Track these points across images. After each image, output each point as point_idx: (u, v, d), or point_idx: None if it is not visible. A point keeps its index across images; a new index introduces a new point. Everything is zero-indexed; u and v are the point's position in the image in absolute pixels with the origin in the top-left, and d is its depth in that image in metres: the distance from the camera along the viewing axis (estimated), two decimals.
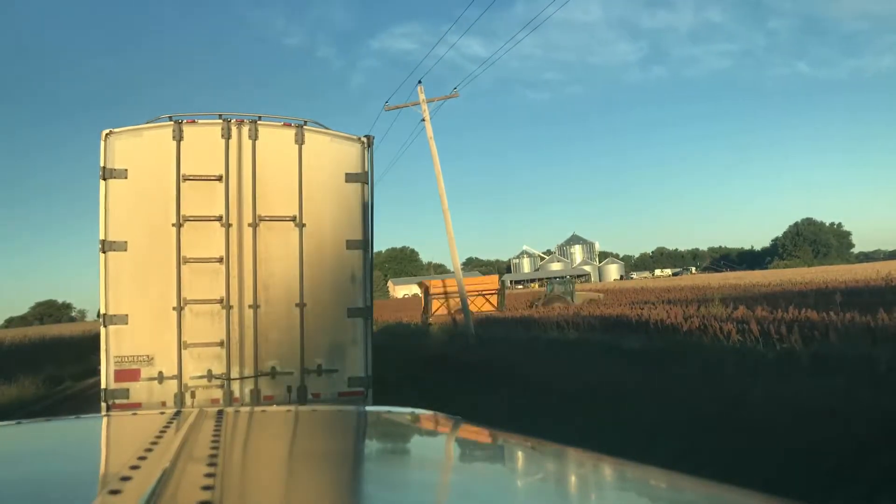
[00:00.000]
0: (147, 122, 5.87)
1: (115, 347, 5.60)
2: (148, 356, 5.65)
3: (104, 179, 5.63)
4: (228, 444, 1.45)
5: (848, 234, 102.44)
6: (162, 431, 1.51)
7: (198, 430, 1.56)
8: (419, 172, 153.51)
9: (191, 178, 5.78)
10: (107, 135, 5.66)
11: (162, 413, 1.89)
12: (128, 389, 5.61)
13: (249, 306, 5.82)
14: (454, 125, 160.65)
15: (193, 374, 5.73)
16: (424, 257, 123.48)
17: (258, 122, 5.99)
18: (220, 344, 5.76)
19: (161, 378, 5.65)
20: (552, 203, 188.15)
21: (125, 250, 5.65)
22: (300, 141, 6.00)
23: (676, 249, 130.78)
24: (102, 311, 5.67)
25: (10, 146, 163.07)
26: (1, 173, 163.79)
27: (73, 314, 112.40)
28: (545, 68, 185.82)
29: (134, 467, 1.12)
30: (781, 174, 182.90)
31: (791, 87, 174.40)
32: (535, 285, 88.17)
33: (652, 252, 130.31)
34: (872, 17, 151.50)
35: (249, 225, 5.86)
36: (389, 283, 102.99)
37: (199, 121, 5.93)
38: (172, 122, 5.81)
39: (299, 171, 5.97)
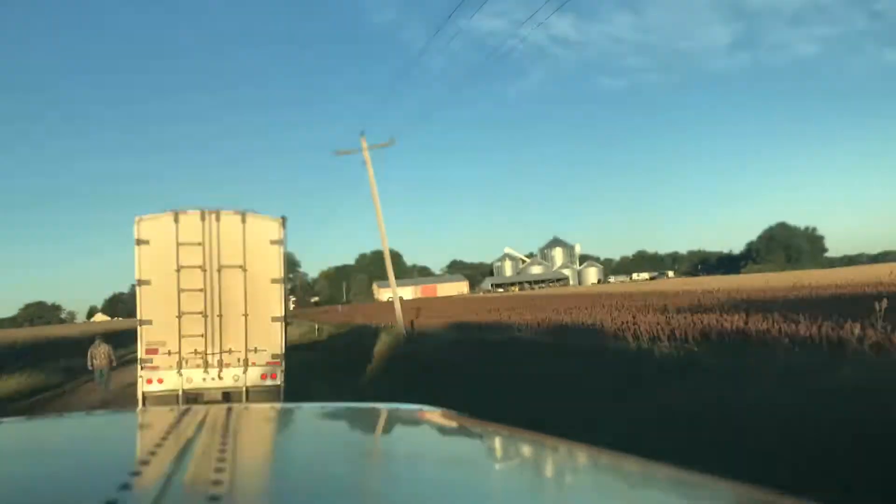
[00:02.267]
0: (160, 212, 10.05)
1: (146, 337, 9.84)
2: (163, 341, 9.84)
3: (137, 245, 9.72)
4: (237, 441, 1.46)
5: (821, 238, 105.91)
6: (172, 427, 1.54)
7: (207, 426, 1.59)
8: (395, 182, 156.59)
9: (184, 244, 9.90)
10: (139, 220, 9.83)
11: (171, 410, 1.97)
12: (151, 358, 9.83)
13: (217, 315, 10.03)
14: (440, 127, 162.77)
15: (187, 350, 9.90)
16: (408, 260, 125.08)
17: (220, 212, 10.12)
18: (202, 335, 9.96)
19: (170, 353, 9.83)
20: (535, 204, 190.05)
21: (150, 285, 9.80)
22: (243, 222, 10.19)
23: (656, 253, 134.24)
24: (139, 317, 9.90)
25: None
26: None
27: (63, 316, 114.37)
28: (528, 65, 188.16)
29: (144, 462, 1.15)
30: (762, 176, 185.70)
31: (791, 87, 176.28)
32: (516, 288, 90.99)
33: (633, 255, 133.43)
34: None
35: (217, 270, 9.99)
36: (374, 286, 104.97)
37: (189, 212, 10.01)
38: (173, 213, 9.95)
39: (243, 239, 10.11)
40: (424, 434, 1.91)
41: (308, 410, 2.19)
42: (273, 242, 10.15)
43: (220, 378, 9.90)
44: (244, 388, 9.97)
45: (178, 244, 9.77)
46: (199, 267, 9.85)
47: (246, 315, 9.97)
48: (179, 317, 9.74)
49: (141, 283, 9.76)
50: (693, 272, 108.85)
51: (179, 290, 9.75)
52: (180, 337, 9.76)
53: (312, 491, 1.12)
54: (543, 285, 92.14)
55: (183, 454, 1.23)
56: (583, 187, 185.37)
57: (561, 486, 1.31)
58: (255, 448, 1.58)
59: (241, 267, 9.97)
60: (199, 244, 9.85)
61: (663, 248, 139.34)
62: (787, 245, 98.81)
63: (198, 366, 9.84)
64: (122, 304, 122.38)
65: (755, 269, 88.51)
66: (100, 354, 15.54)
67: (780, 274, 59.56)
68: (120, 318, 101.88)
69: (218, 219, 10.04)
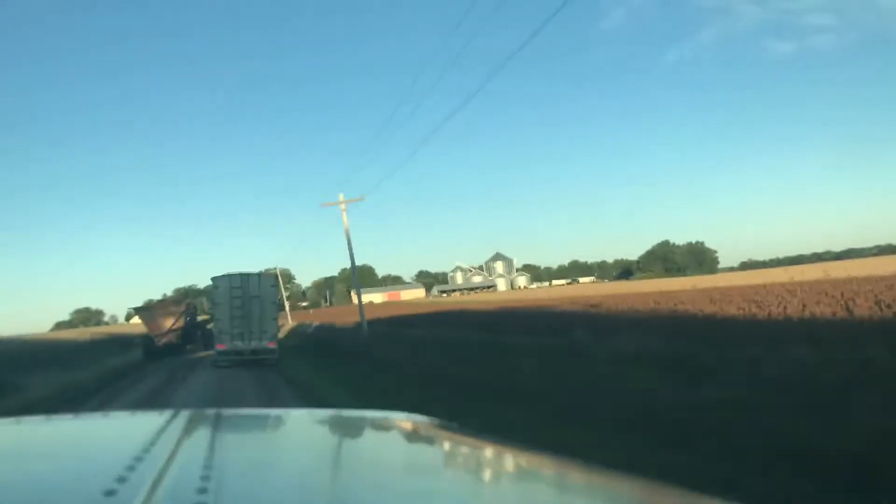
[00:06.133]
0: (223, 274, 23.27)
1: (216, 331, 22.93)
2: (227, 334, 22.34)
3: (214, 289, 23.60)
4: (224, 447, 1.48)
5: (709, 251, 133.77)
6: (158, 432, 1.53)
7: (194, 431, 1.59)
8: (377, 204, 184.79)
9: (234, 287, 22.69)
10: (215, 278, 23.67)
11: (160, 414, 1.91)
12: (222, 344, 22.32)
13: (248, 321, 22.70)
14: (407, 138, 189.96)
15: (234, 338, 22.31)
16: (381, 271, 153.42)
17: (249, 273, 23.50)
18: (240, 333, 22.51)
19: (229, 340, 22.22)
20: (481, 224, 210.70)
21: (220, 306, 22.90)
22: (259, 276, 23.97)
23: (586, 262, 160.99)
24: (214, 321, 24.26)
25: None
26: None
27: (106, 319, 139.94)
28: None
29: (130, 468, 1.14)
30: (683, 195, 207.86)
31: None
32: (458, 294, 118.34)
33: (568, 264, 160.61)
34: None
35: (248, 299, 22.64)
36: (352, 293, 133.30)
37: (236, 273, 23.31)
38: (229, 275, 23.14)
39: (259, 284, 23.08)
40: (415, 443, 1.90)
41: (296, 417, 2.21)
42: (273, 286, 23.84)
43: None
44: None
45: (231, 287, 22.37)
46: (240, 298, 22.34)
47: (262, 319, 22.37)
48: (232, 322, 22.49)
49: (215, 304, 23.69)
50: (611, 278, 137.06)
51: (232, 308, 22.19)
52: (232, 333, 22.14)
53: (299, 499, 1.16)
54: (477, 291, 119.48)
55: (170, 460, 1.22)
56: (524, 206, 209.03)
57: (546, 500, 1.31)
58: (242, 455, 1.56)
59: (259, 297, 22.41)
60: (241, 287, 22.43)
61: (593, 258, 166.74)
62: (664, 259, 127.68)
63: (238, 347, 21.83)
64: None
65: (640, 276, 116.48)
66: None
67: (640, 282, 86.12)
68: None
69: (247, 277, 22.93)
